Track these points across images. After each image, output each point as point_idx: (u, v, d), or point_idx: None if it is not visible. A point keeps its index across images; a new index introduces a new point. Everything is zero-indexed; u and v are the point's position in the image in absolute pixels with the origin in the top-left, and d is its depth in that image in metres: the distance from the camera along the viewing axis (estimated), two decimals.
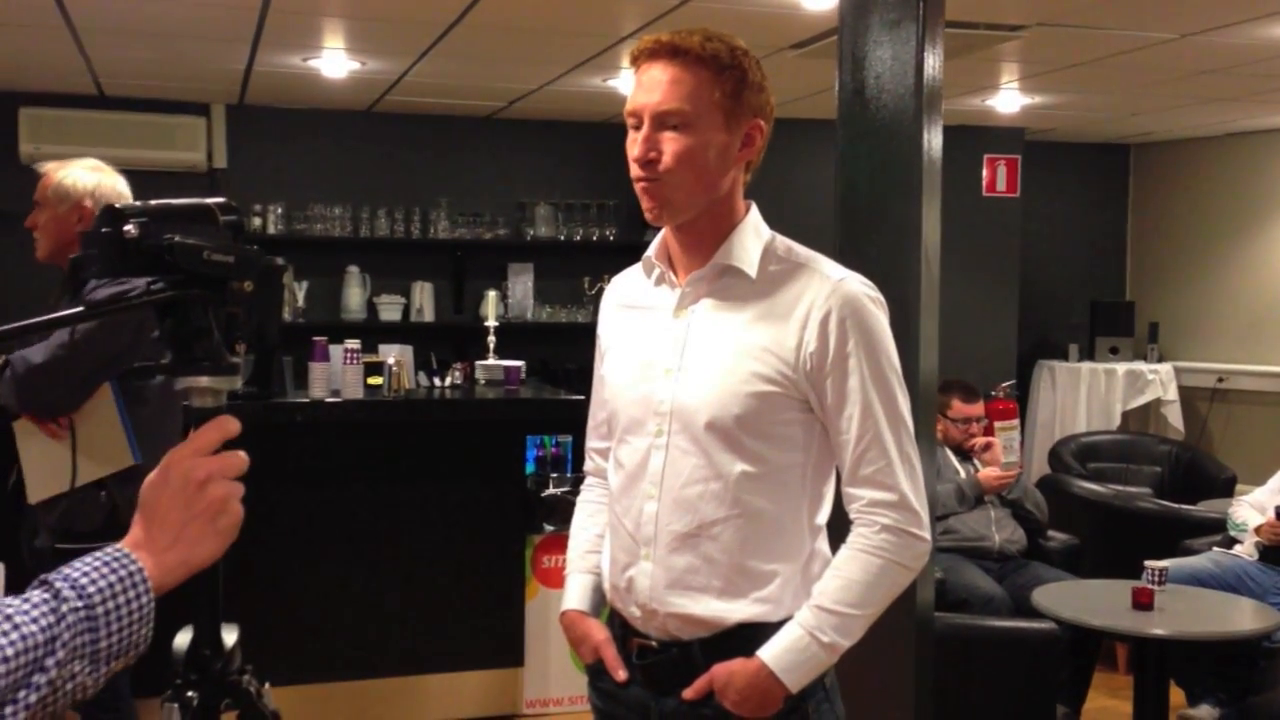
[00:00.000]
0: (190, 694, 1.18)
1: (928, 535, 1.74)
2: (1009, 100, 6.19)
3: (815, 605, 1.70)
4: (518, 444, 4.49)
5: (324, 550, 4.26)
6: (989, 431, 4.62)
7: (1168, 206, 7.83)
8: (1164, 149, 7.79)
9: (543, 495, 4.45)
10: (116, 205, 1.15)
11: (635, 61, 1.73)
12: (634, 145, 1.71)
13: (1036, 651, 3.55)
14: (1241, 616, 3.79)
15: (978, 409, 4.63)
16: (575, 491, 4.31)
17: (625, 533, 1.80)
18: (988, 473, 4.48)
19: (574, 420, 4.64)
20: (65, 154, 6.06)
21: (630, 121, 1.73)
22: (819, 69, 5.01)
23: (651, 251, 1.84)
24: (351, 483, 4.31)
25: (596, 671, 1.87)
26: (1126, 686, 4.17)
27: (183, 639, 1.20)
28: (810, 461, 1.75)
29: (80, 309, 1.30)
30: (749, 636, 1.71)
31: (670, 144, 1.68)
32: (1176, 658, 4.02)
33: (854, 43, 2.85)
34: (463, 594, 4.40)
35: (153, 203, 1.17)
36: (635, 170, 1.72)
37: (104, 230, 1.13)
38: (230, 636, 1.22)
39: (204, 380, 1.17)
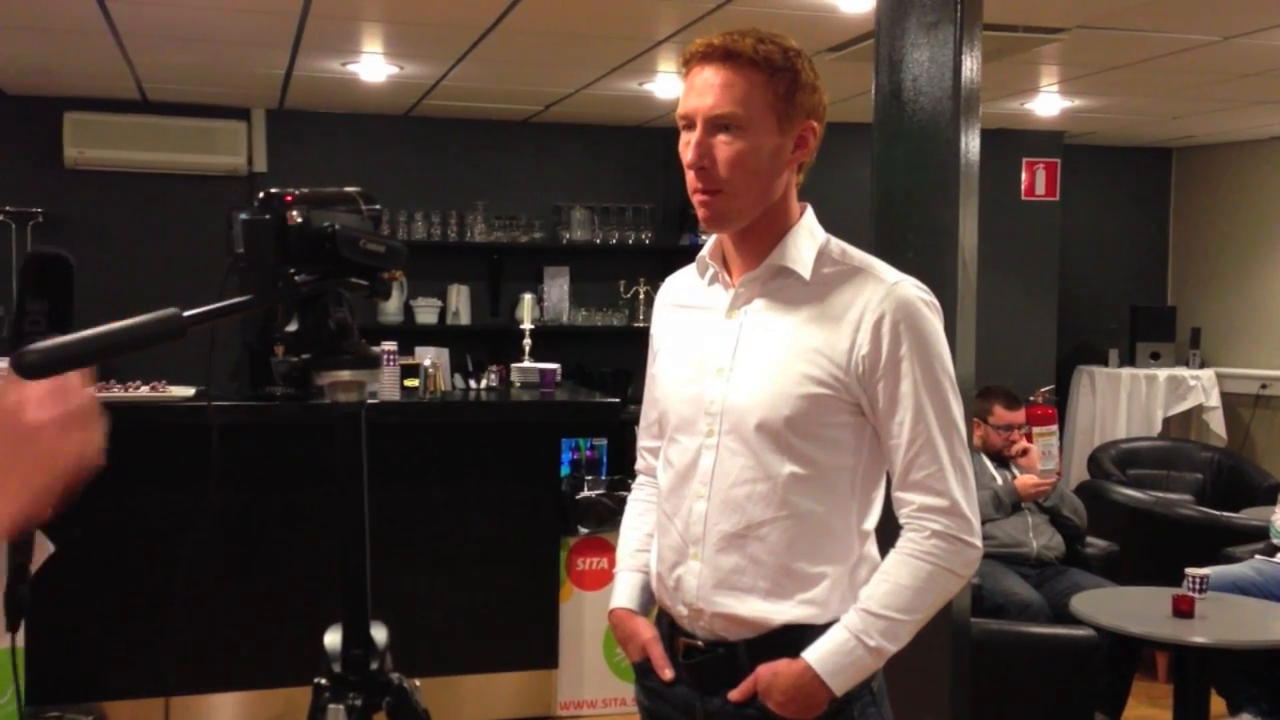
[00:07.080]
0: (352, 695, 1.13)
1: (979, 542, 1.72)
2: (1048, 103, 6.14)
3: (862, 609, 1.69)
4: (553, 447, 4.50)
5: None
6: (1028, 438, 4.58)
7: (1210, 211, 7.73)
8: (1207, 153, 7.70)
9: (577, 498, 4.46)
10: (274, 190, 1.10)
11: (686, 64, 1.71)
12: (686, 149, 1.70)
13: (1075, 659, 3.52)
14: None
15: (1019, 416, 4.59)
16: (610, 494, 4.41)
17: (674, 532, 1.80)
18: (1025, 479, 4.44)
19: (609, 423, 4.67)
20: (109, 158, 6.25)
21: (682, 124, 1.71)
22: (856, 72, 4.99)
23: (706, 251, 1.83)
24: (386, 484, 4.30)
25: (644, 670, 1.87)
26: (1166, 695, 4.12)
27: (332, 638, 1.16)
28: (860, 465, 1.74)
29: (249, 296, 1.18)
30: (794, 638, 1.71)
31: (723, 149, 1.67)
32: (1217, 666, 3.97)
33: (891, 45, 2.84)
34: (497, 596, 4.41)
35: (305, 190, 1.11)
36: (691, 181, 1.71)
37: (267, 217, 1.06)
38: (380, 634, 1.18)
39: (346, 374, 1.11)
